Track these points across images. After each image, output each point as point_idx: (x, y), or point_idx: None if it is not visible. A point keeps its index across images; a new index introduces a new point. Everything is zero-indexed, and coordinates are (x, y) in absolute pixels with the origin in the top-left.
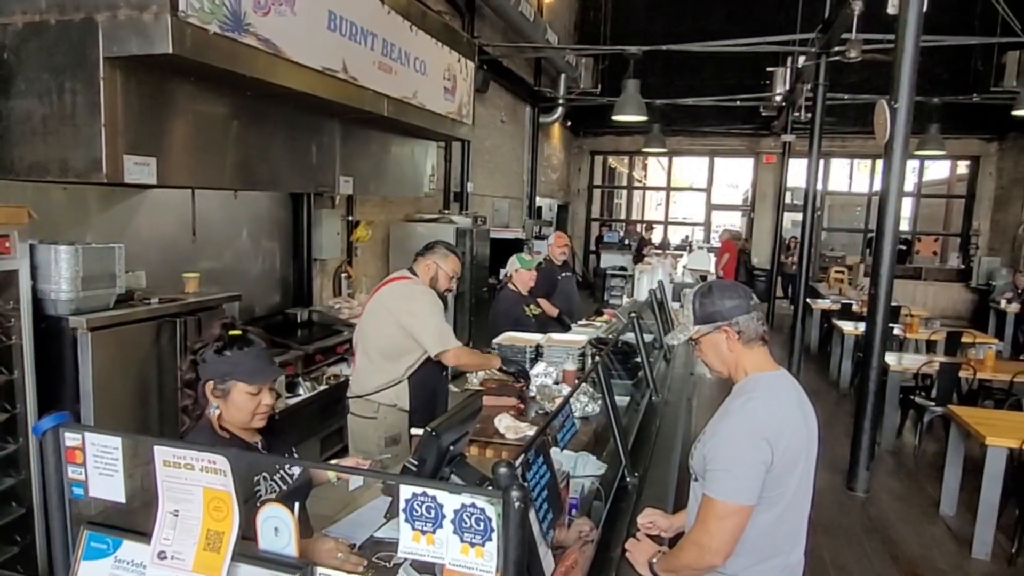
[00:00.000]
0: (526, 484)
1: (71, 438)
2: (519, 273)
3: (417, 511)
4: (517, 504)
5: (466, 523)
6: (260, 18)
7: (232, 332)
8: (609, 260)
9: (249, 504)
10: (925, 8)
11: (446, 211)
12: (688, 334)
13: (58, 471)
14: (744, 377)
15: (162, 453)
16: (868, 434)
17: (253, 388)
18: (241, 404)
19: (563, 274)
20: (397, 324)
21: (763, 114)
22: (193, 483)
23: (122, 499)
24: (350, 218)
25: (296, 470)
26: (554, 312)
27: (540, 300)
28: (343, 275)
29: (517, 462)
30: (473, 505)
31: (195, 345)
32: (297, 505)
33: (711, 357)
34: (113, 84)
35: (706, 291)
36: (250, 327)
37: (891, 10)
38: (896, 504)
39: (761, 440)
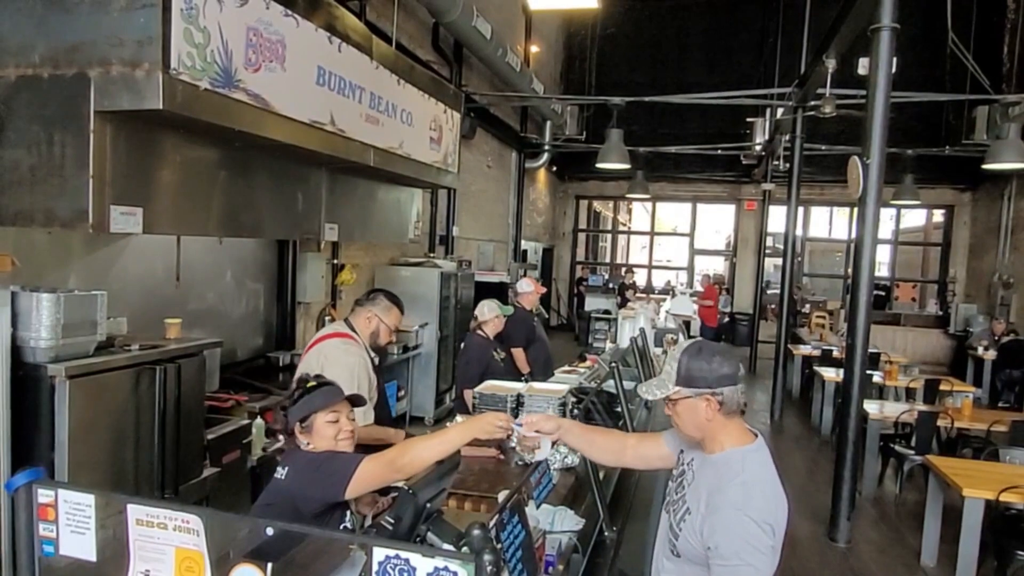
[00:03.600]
0: (500, 546)
1: (44, 495)
2: (498, 319)
3: (390, 574)
4: (490, 568)
5: None
6: (251, 74)
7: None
8: (593, 303)
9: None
10: (894, 69)
11: (431, 254)
12: (667, 393)
13: (29, 528)
14: (721, 450)
15: (135, 512)
16: (848, 484)
17: (331, 416)
18: (324, 432)
19: (534, 320)
20: None
21: (744, 162)
22: (166, 543)
23: (93, 557)
24: (335, 261)
25: None
26: (527, 369)
27: (515, 352)
28: (327, 318)
29: (491, 523)
30: (446, 568)
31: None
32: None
33: (686, 420)
34: (102, 137)
35: (695, 352)
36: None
37: (861, 71)
38: (877, 555)
39: (766, 525)
